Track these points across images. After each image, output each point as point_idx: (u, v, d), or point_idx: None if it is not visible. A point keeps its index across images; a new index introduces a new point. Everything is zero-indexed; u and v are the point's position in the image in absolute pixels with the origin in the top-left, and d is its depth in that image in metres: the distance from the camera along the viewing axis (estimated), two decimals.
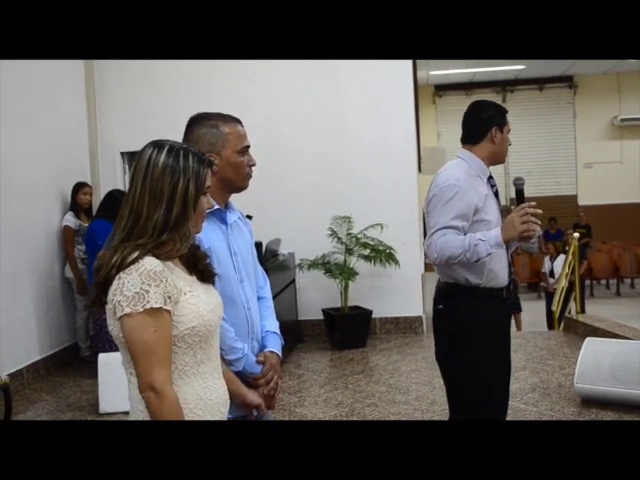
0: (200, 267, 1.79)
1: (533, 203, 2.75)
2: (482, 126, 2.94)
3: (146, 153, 1.70)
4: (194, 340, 1.69)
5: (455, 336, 2.91)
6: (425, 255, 2.94)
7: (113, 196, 5.65)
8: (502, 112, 3.03)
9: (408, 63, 6.99)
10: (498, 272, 2.86)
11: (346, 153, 6.91)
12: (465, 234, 2.78)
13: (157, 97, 6.84)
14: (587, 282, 11.14)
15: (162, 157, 1.67)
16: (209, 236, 2.12)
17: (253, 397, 2.09)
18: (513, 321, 8.08)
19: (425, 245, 2.88)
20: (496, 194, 2.98)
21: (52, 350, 5.90)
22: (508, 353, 3.05)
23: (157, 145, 1.70)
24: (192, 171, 1.69)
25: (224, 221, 2.21)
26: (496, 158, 3.00)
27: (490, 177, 2.97)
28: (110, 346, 5.51)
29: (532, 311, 10.16)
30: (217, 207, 2.18)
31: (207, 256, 1.85)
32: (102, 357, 4.94)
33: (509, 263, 2.96)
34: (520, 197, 2.95)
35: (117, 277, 1.63)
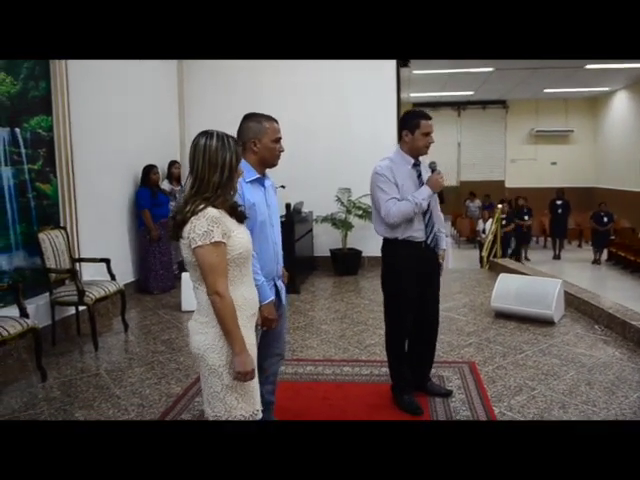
0: (237, 213, 1.80)
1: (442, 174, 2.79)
2: (399, 129, 2.84)
3: (202, 139, 1.72)
4: (240, 261, 1.74)
5: (384, 270, 2.95)
6: (384, 219, 2.78)
7: (145, 171, 5.62)
8: (416, 117, 2.74)
9: (395, 87, 6.81)
10: (413, 233, 2.79)
11: (351, 145, 6.80)
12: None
13: (223, 101, 6.71)
14: None
15: (214, 141, 1.70)
16: (254, 195, 2.15)
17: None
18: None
19: (384, 213, 2.76)
20: (419, 176, 2.81)
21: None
22: (426, 286, 2.89)
23: (208, 133, 1.73)
24: (233, 149, 1.72)
25: (263, 185, 2.23)
26: (413, 152, 2.79)
27: (415, 164, 2.81)
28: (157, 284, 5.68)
29: (470, 255, 10.12)
30: (258, 176, 2.20)
31: (241, 205, 1.85)
32: (184, 275, 4.99)
33: (427, 225, 2.82)
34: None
35: (190, 221, 1.66)
